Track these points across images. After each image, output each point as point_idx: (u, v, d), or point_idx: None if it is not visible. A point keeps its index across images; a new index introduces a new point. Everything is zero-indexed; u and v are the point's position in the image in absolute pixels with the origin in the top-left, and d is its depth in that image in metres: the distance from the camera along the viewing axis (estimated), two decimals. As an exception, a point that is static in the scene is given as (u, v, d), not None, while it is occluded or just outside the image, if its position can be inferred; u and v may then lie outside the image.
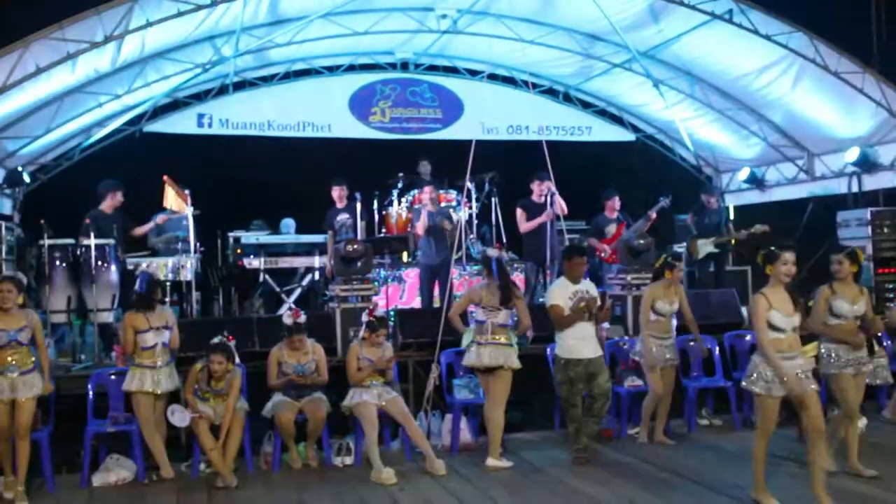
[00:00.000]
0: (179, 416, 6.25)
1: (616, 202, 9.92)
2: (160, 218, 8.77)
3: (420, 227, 8.94)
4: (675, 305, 7.25)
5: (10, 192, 10.46)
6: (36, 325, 5.92)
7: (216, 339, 6.41)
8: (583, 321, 6.56)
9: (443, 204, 10.38)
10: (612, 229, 9.83)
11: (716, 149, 12.90)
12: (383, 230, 10.75)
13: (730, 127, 12.12)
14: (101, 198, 8.48)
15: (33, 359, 5.87)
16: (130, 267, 8.33)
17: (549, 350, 7.59)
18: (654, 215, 9.83)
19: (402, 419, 6.62)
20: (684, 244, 11.14)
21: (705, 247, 10.19)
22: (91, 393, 6.61)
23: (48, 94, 9.12)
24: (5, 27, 8.28)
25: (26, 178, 10.28)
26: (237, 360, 6.49)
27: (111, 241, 7.99)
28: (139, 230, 8.73)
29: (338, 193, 9.62)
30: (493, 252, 6.66)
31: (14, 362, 5.77)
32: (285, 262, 9.78)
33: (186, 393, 6.40)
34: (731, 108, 11.56)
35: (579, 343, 6.52)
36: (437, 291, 9.06)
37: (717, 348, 8.03)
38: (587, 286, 6.75)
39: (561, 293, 6.63)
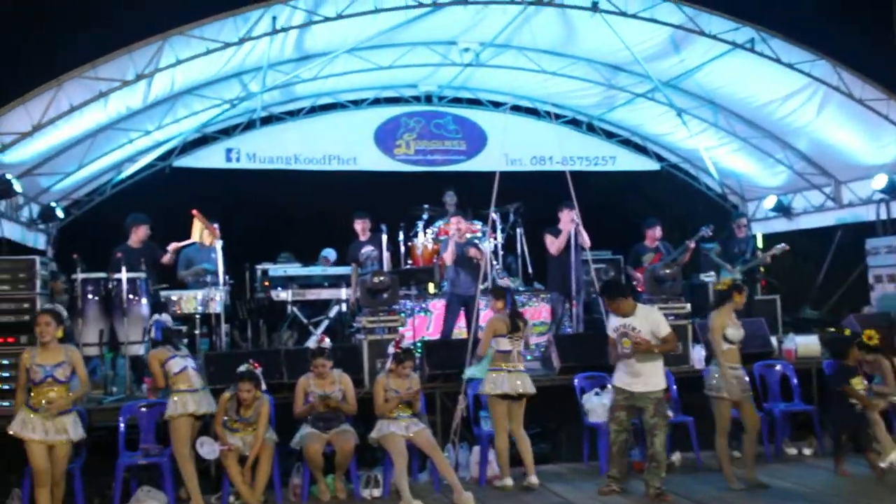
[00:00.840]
0: (209, 449, 6.29)
1: (657, 231, 9.87)
2: (172, 246, 8.86)
3: (448, 257, 8.96)
4: (742, 331, 6.86)
5: (44, 227, 10.67)
6: (76, 360, 5.82)
7: (242, 368, 6.50)
8: (627, 357, 6.35)
9: (468, 235, 10.39)
10: (648, 258, 9.79)
11: (741, 177, 12.86)
12: (409, 262, 10.79)
13: (755, 155, 12.09)
14: (127, 232, 8.65)
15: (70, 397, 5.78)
16: (163, 300, 8.43)
17: (576, 381, 7.57)
18: (692, 245, 9.76)
19: (429, 451, 6.61)
20: (711, 273, 11.06)
21: (734, 275, 10.11)
22: (122, 425, 6.67)
23: (81, 132, 9.32)
24: (40, 67, 8.50)
25: (60, 214, 10.48)
26: (264, 386, 6.56)
27: (142, 275, 8.10)
28: (163, 259, 8.86)
29: (360, 226, 9.66)
30: (507, 283, 6.84)
31: (50, 402, 5.67)
32: (313, 294, 9.84)
33: (216, 424, 6.46)
34: (756, 136, 11.54)
35: (624, 375, 6.43)
36: (461, 322, 9.06)
37: (747, 378, 7.92)
38: (637, 321, 6.40)
39: (610, 324, 6.65)
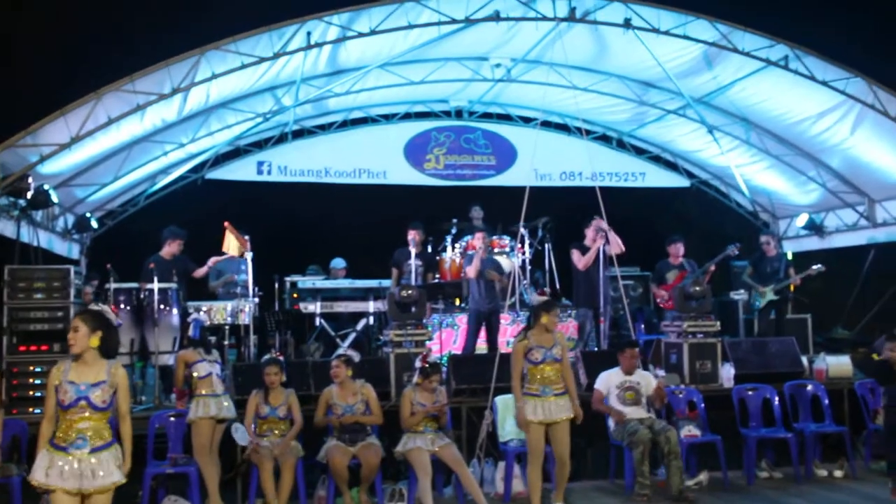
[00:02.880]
0: (242, 435, 6.53)
1: (680, 248, 9.82)
2: (212, 260, 8.99)
3: (471, 271, 8.98)
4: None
5: (79, 237, 10.85)
6: (120, 381, 4.42)
7: (266, 357, 6.71)
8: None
9: (496, 250, 10.41)
10: (672, 276, 9.73)
11: (773, 195, 12.74)
12: (437, 276, 10.82)
13: (787, 173, 11.97)
14: (161, 243, 8.78)
15: (110, 430, 4.41)
16: (192, 311, 8.53)
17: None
18: (713, 268, 9.71)
19: (454, 466, 6.60)
20: (741, 291, 10.96)
21: (766, 294, 10.02)
22: (151, 434, 6.75)
23: (117, 144, 9.49)
24: (80, 80, 8.67)
25: (94, 224, 10.66)
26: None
27: (173, 286, 8.21)
28: (198, 272, 8.98)
29: (413, 237, 9.54)
30: (540, 299, 6.83)
31: (83, 434, 4.29)
32: (340, 307, 9.90)
33: (247, 422, 6.61)
34: (788, 153, 11.43)
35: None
36: (483, 336, 9.07)
37: (777, 398, 7.85)
38: (640, 378, 7.24)
39: (606, 381, 7.19)
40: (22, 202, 8.15)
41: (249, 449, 6.52)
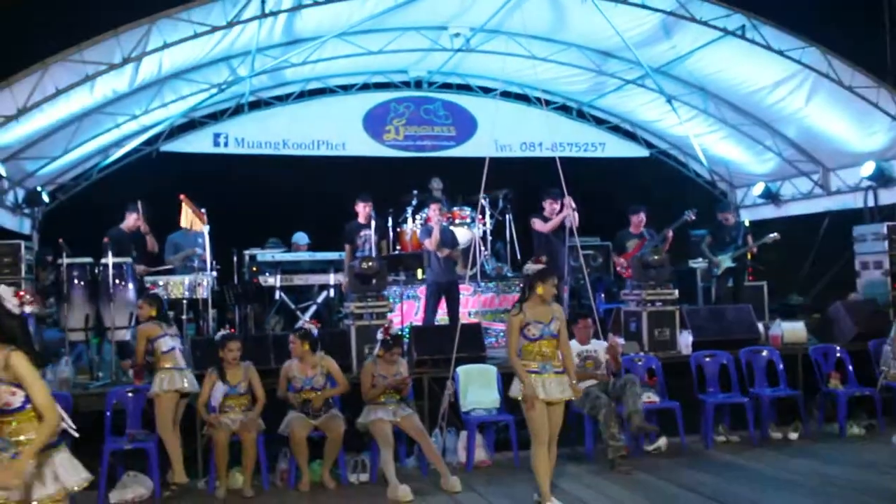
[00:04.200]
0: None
1: (641, 217, 9.84)
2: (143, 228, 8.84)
3: (429, 243, 8.95)
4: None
5: (30, 211, 10.59)
6: (19, 372, 3.53)
7: (222, 332, 6.67)
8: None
9: (457, 220, 10.39)
10: (632, 245, 9.79)
11: (730, 164, 12.88)
12: (398, 247, 10.78)
13: (744, 142, 12.11)
14: (123, 217, 8.62)
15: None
16: (148, 285, 8.40)
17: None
18: (670, 234, 9.76)
19: (417, 436, 6.62)
20: (699, 260, 11.08)
21: (724, 262, 10.14)
22: (108, 410, 6.66)
23: (67, 116, 9.25)
24: (25, 50, 8.41)
25: (45, 199, 10.39)
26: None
27: (128, 260, 8.06)
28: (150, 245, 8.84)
29: (363, 208, 9.38)
30: (536, 267, 5.93)
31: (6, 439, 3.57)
32: (300, 280, 9.81)
33: (200, 404, 6.53)
34: (746, 123, 11.55)
35: None
36: (444, 308, 9.08)
37: (734, 364, 7.99)
38: (597, 346, 7.43)
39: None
40: (-32, 176, 7.93)
41: (207, 425, 6.46)
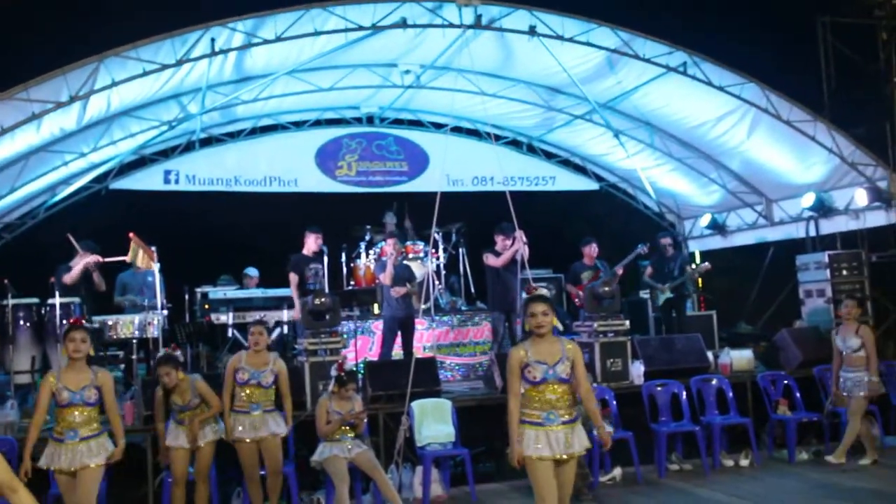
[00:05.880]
0: None
1: (593, 249, 10.03)
2: (84, 262, 8.50)
3: (385, 278, 8.96)
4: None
5: (-27, 251, 10.37)
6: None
7: (159, 354, 6.44)
8: None
9: (410, 255, 10.44)
10: (587, 276, 9.93)
11: (677, 196, 13.16)
12: (351, 283, 10.77)
13: (690, 175, 12.39)
14: (71, 257, 8.46)
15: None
16: (96, 325, 8.25)
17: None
18: (620, 271, 9.96)
19: (371, 472, 6.58)
20: (647, 291, 11.26)
21: (662, 294, 10.35)
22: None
23: (12, 154, 9.10)
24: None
25: (-10, 238, 10.20)
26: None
27: (76, 300, 7.93)
28: (69, 276, 8.36)
29: (314, 241, 9.29)
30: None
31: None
32: (253, 317, 9.73)
33: (157, 422, 6.37)
34: (691, 156, 11.84)
35: None
36: (398, 343, 9.07)
37: (685, 393, 8.11)
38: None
39: None
40: None
41: (162, 452, 6.30)
